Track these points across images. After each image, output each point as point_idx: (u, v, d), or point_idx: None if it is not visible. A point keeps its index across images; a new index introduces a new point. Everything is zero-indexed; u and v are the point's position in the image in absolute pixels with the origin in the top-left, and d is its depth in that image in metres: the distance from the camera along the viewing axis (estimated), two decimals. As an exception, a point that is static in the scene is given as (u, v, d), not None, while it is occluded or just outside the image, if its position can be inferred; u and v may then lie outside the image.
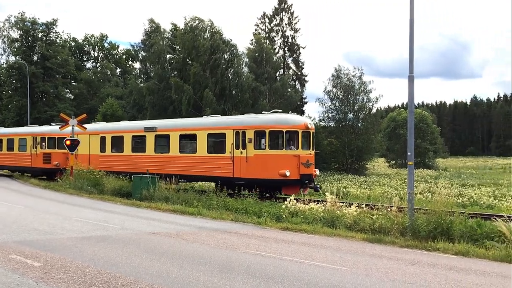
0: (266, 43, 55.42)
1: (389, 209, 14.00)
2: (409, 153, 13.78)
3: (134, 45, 67.50)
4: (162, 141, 25.82)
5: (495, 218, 12.32)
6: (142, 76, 62.35)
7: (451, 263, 10.04)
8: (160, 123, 27.07)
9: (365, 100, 53.78)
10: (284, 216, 15.73)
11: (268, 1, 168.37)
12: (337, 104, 54.16)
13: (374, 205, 15.35)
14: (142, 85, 55.84)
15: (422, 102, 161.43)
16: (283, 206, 16.43)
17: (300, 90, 61.72)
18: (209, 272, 8.64)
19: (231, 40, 50.98)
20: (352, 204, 15.15)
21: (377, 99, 54.57)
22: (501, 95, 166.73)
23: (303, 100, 63.05)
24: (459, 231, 12.16)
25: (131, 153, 27.22)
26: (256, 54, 52.89)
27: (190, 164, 23.65)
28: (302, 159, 20.68)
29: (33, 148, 34.35)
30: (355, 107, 53.37)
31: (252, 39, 59.41)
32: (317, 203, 16.05)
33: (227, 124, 22.74)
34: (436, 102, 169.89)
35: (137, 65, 70.41)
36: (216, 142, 22.94)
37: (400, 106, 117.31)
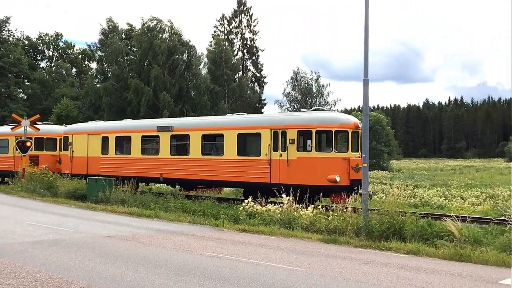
0: (225, 45, 55.43)
1: (344, 210, 14.27)
2: (363, 155, 14.09)
3: (90, 44, 66.05)
4: (180, 142, 22.71)
5: (445, 218, 12.74)
6: (99, 76, 61.16)
7: (403, 262, 10.34)
8: (177, 122, 23.87)
9: (322, 103, 54.56)
10: (241, 218, 15.78)
11: (228, 3, 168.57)
12: (295, 107, 54.74)
13: (330, 206, 15.60)
14: (98, 85, 54.76)
15: (378, 105, 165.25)
16: (241, 208, 16.49)
17: (259, 92, 62.07)
18: (164, 275, 8.59)
19: (190, 41, 50.75)
20: (309, 205, 15.36)
21: (335, 103, 55.54)
22: (452, 99, 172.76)
23: (262, 101, 63.45)
24: (410, 230, 12.52)
25: (141, 155, 23.81)
26: (216, 56, 52.85)
27: (215, 168, 20.68)
28: (352, 162, 18.05)
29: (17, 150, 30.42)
30: (313, 110, 54.16)
31: (211, 41, 59.35)
32: (274, 205, 16.17)
33: (263, 122, 19.83)
34: (390, 105, 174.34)
35: (93, 65, 68.96)
36: (249, 144, 20.25)
37: (356, 109, 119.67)
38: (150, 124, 24.70)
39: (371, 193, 19.43)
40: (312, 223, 14.21)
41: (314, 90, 55.28)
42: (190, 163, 21.66)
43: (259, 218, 15.54)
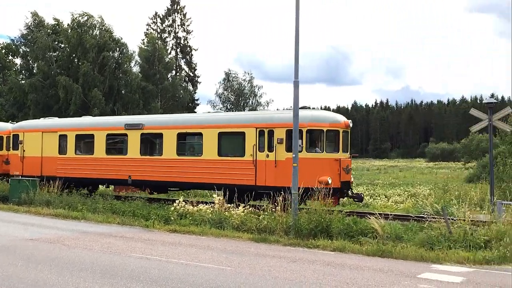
0: (158, 43, 54.62)
1: (274, 210, 14.51)
2: (293, 155, 14.41)
3: (14, 39, 62.75)
4: (152, 141, 21.37)
5: (369, 216, 13.27)
6: (23, 72, 58.18)
7: (329, 259, 10.68)
8: (148, 119, 22.14)
9: (255, 104, 55.10)
10: (172, 218, 15.65)
11: (161, 1, 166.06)
12: (228, 107, 54.91)
13: (261, 206, 15.81)
14: (23, 82, 52.16)
15: (309, 107, 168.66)
16: (172, 208, 16.35)
17: (192, 91, 61.68)
18: (90, 278, 8.36)
19: (121, 38, 49.51)
20: (240, 205, 15.48)
21: (267, 103, 56.21)
22: (378, 101, 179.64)
23: (195, 101, 63.09)
24: (337, 228, 12.95)
25: (105, 155, 21.78)
26: (149, 54, 51.95)
27: (193, 169, 19.16)
28: (343, 163, 17.37)
29: None
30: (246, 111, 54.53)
31: (144, 39, 58.27)
32: (206, 205, 16.16)
33: (248, 120, 18.57)
34: (321, 107, 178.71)
35: (18, 60, 65.57)
36: (231, 143, 19.05)
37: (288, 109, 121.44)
38: (116, 121, 22.86)
39: (361, 196, 18.78)
40: (243, 223, 14.34)
41: (247, 91, 55.69)
42: (164, 164, 20.09)
43: (191, 218, 15.48)
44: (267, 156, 17.55)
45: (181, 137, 20.10)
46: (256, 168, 17.67)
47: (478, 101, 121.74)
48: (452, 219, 12.76)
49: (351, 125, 18.29)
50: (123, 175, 20.95)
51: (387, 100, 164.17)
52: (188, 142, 20.53)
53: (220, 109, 55.09)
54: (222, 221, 14.71)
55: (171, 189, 21.31)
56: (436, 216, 12.79)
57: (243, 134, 18.20)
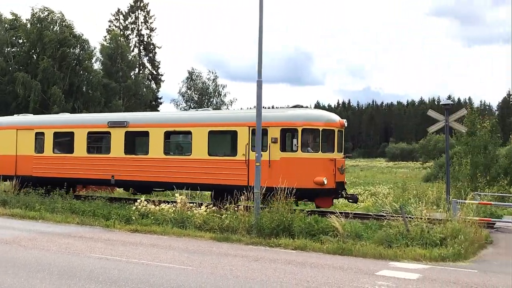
0: (121, 40, 53.75)
1: (236, 209, 14.54)
2: (256, 155, 14.48)
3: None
4: (138, 140, 20.51)
5: (330, 215, 13.46)
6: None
7: (291, 257, 10.78)
8: (134, 117, 21.24)
9: (219, 103, 54.96)
10: (134, 218, 15.45)
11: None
12: (192, 106, 54.57)
13: (224, 205, 15.81)
14: (-22, 77, 50.36)
15: (273, 106, 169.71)
16: (133, 208, 16.15)
17: (155, 89, 61.01)
18: (47, 280, 8.18)
19: (82, 34, 48.48)
20: (202, 204, 15.43)
21: (231, 102, 56.16)
22: (340, 102, 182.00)
23: (159, 100, 62.43)
24: (299, 227, 13.08)
25: (86, 154, 20.83)
26: (111, 51, 51.07)
27: (182, 169, 18.45)
28: (338, 163, 17.04)
29: None
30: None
31: (106, 36, 57.27)
32: (168, 204, 16.04)
33: (240, 119, 17.90)
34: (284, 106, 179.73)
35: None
36: (223, 142, 18.60)
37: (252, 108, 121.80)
38: (99, 118, 21.93)
39: (356, 196, 18.40)
40: (206, 222, 14.30)
41: (211, 90, 55.51)
42: (149, 163, 19.26)
43: (152, 218, 15.33)
44: (261, 155, 17.13)
45: (169, 135, 19.48)
46: (248, 168, 17.03)
47: (436, 102, 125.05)
48: (410, 217, 13.09)
49: (346, 124, 17.95)
50: (105, 175, 20.10)
51: (349, 100, 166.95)
52: (176, 141, 20.03)
53: (184, 108, 54.72)
54: (184, 221, 14.64)
55: (156, 189, 20.60)
56: (394, 215, 13.09)
57: (235, 133, 17.66)
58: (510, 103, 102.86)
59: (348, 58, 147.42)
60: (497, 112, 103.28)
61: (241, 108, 17.59)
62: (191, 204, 15.60)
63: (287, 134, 17.32)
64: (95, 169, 20.42)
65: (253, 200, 15.63)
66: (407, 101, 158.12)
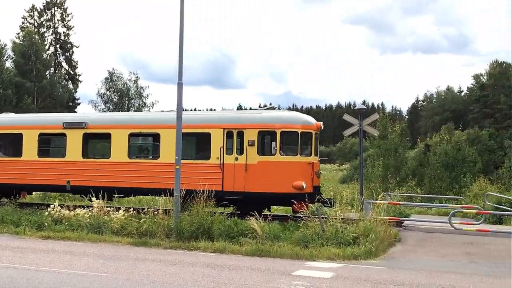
0: (35, 38, 51.15)
1: (156, 212, 14.31)
2: (176, 157, 14.35)
3: None
4: (98, 142, 19.28)
5: (249, 217, 13.60)
6: None
7: (209, 260, 10.79)
8: (94, 117, 19.76)
9: (140, 105, 53.83)
10: (46, 224, 14.77)
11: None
12: (111, 108, 52.99)
13: (143, 209, 15.50)
14: None
15: (195, 108, 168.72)
16: (46, 213, 15.43)
17: (72, 90, 58.65)
18: None
19: (-8, 31, 45.65)
20: (120, 208, 15.04)
21: (153, 104, 55.17)
22: (262, 105, 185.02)
23: (76, 101, 60.07)
24: (218, 230, 13.12)
25: (37, 157, 19.06)
26: (25, 49, 48.45)
27: (148, 173, 17.33)
28: (315, 167, 16.74)
29: None
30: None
31: (19, 33, 54.31)
32: (84, 209, 15.47)
33: (214, 121, 17.17)
34: (207, 109, 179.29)
35: None
36: (194, 145, 17.75)
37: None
38: (52, 119, 20.10)
39: (332, 201, 17.22)
40: (123, 227, 13.97)
41: (133, 91, 54.24)
42: (112, 167, 17.95)
43: (67, 223, 14.74)
44: (236, 159, 16.43)
45: (135, 138, 18.43)
46: (223, 172, 16.45)
47: (351, 107, 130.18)
48: (326, 218, 13.55)
49: (322, 127, 17.64)
50: (60, 180, 18.45)
51: (270, 103, 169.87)
52: (143, 144, 18.96)
53: (103, 110, 52.98)
54: (100, 226, 14.19)
55: (116, 196, 18.53)
56: (311, 216, 13.48)
57: (208, 135, 16.89)
58: (418, 109, 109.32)
59: (270, 62, 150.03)
60: (406, 117, 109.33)
61: (211, 109, 17.21)
62: (109, 209, 15.15)
63: (266, 137, 16.96)
64: (47, 174, 18.69)
65: (230, 206, 15.19)
66: (325, 105, 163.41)
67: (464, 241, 13.52)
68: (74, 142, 18.66)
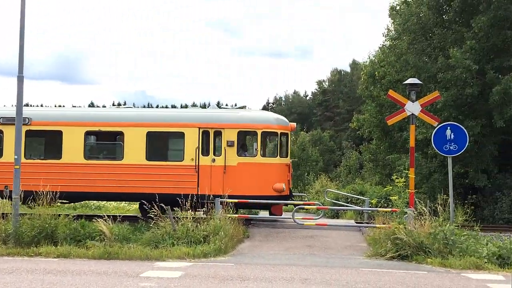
0: None
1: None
2: (15, 157, 13.38)
3: None
4: (45, 141, 17.38)
5: (97, 219, 13.08)
6: None
7: (51, 266, 10.16)
8: (40, 112, 17.68)
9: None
10: None
11: None
12: None
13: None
14: None
15: (42, 104, 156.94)
16: None
17: None
18: None
19: None
20: None
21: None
22: (116, 103, 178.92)
23: None
24: (63, 233, 12.41)
25: None
26: None
27: (109, 176, 16.11)
28: (290, 169, 16.78)
29: None
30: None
31: None
32: None
33: (188, 119, 16.41)
34: (55, 105, 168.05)
35: None
36: (165, 145, 16.79)
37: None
38: None
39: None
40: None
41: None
42: (63, 170, 16.22)
43: None
44: (213, 160, 15.98)
45: (90, 136, 17.04)
46: (198, 174, 15.89)
47: (206, 107, 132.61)
48: (178, 217, 13.60)
49: (296, 128, 17.50)
50: None
51: (125, 102, 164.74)
52: (102, 143, 17.50)
53: None
54: None
55: (64, 201, 16.66)
56: (162, 216, 13.41)
57: (181, 135, 16.19)
58: (268, 110, 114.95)
59: (126, 60, 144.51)
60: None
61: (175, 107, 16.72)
62: None
63: (246, 137, 16.68)
64: None
65: (210, 209, 14.24)
66: (181, 105, 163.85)
67: (306, 235, 14.58)
68: (13, 140, 15.01)
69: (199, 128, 16.15)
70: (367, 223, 15.99)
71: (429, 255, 11.32)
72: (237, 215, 14.64)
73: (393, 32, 24.75)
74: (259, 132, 16.06)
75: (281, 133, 16.45)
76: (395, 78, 23.17)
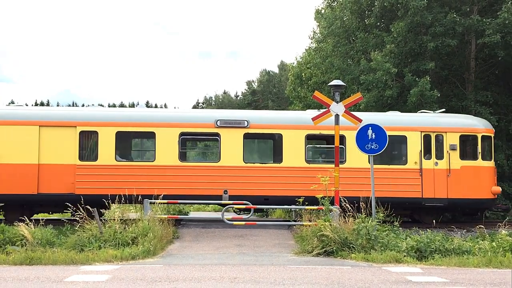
0: None
1: None
2: None
3: None
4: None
5: (18, 223, 12.51)
6: None
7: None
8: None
9: None
10: None
11: None
12: None
13: None
14: None
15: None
16: None
17: None
18: None
19: None
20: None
21: None
22: (39, 102, 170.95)
23: None
24: (-20, 239, 11.79)
25: None
26: None
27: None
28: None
29: None
30: None
31: None
32: None
33: (409, 123, 16.67)
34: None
35: None
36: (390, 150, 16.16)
37: None
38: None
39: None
40: None
41: None
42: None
43: None
44: (436, 164, 16.49)
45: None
46: (422, 178, 16.34)
47: (134, 106, 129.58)
48: (104, 219, 13.28)
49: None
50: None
51: (48, 101, 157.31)
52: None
53: None
54: None
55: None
56: (88, 218, 13.05)
57: (404, 138, 16.53)
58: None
59: (46, 58, 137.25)
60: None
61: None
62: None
63: (467, 142, 17.09)
64: None
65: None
66: (108, 104, 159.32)
67: (236, 234, 14.73)
68: None
69: (421, 132, 16.72)
70: (294, 221, 16.38)
71: (353, 251, 11.84)
72: (166, 216, 14.50)
73: (318, 35, 25.51)
74: (478, 136, 16.83)
75: (493, 137, 17.44)
76: (321, 80, 23.92)
